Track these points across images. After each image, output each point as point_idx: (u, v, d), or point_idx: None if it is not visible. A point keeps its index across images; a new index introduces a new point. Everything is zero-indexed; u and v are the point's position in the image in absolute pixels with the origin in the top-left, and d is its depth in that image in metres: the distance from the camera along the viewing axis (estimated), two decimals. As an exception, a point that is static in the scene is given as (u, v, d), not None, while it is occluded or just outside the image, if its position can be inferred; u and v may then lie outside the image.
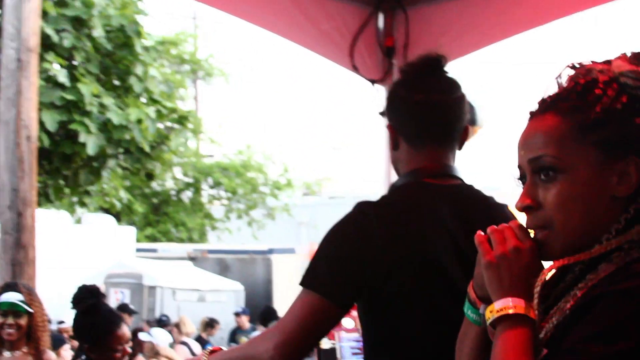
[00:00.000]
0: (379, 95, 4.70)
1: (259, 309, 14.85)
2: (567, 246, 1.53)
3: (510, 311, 1.50)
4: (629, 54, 1.58)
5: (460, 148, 2.52)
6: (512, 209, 2.47)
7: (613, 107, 1.51)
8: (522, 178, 1.60)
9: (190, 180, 25.63)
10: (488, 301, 1.57)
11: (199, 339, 12.77)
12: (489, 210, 2.43)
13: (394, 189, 2.49)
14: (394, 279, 2.27)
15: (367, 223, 2.30)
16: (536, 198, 1.55)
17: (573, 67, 1.60)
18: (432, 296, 2.30)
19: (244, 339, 12.99)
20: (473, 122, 4.86)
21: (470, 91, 2.68)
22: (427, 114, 2.45)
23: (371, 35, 4.65)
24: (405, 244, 2.29)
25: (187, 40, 25.69)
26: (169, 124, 11.91)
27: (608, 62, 1.58)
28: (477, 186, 2.52)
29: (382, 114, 4.62)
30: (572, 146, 1.53)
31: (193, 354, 10.97)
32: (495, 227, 1.60)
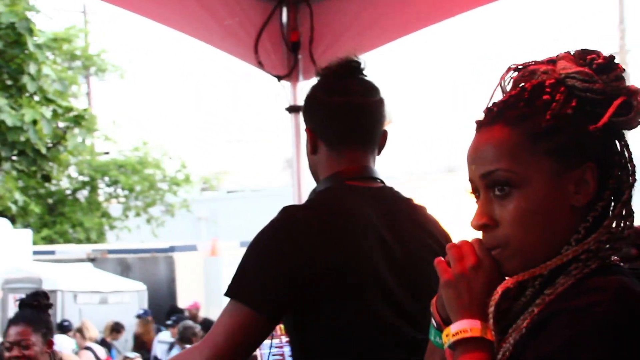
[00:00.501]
0: (284, 91, 4.63)
1: (164, 308, 14.65)
2: (527, 262, 1.46)
3: (467, 335, 1.44)
4: (572, 52, 1.51)
5: (379, 152, 2.50)
6: (430, 211, 2.50)
7: (563, 113, 1.44)
8: (475, 192, 1.52)
9: (86, 178, 25.15)
10: (450, 323, 1.49)
11: (103, 343, 12.50)
12: (412, 212, 2.44)
13: (317, 193, 2.43)
14: (325, 285, 2.21)
15: (295, 228, 2.26)
16: (492, 215, 1.48)
17: (516, 69, 1.53)
18: (365, 300, 2.24)
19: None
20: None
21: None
22: (347, 117, 2.43)
23: (275, 30, 4.57)
24: (336, 248, 2.24)
25: (78, 36, 25.17)
26: (64, 123, 11.58)
27: (552, 62, 1.50)
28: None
29: (288, 109, 4.60)
30: (525, 158, 1.45)
31: (98, 359, 10.73)
32: (453, 243, 1.53)
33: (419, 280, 2.29)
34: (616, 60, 1.49)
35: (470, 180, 1.52)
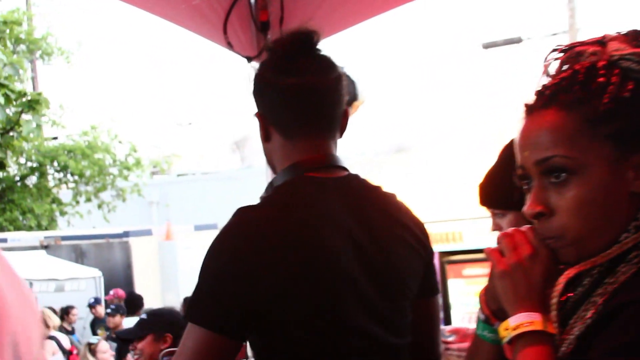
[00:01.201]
0: (254, 72, 4.53)
1: (121, 294, 14.48)
2: (583, 252, 1.41)
3: (528, 328, 1.38)
4: (624, 33, 1.44)
5: (341, 135, 2.26)
6: (400, 198, 2.29)
7: (621, 96, 1.37)
8: (524, 178, 1.46)
9: (34, 164, 24.79)
10: (503, 315, 1.43)
11: (61, 329, 12.32)
12: (381, 201, 2.21)
13: (275, 188, 2.16)
14: (292, 293, 1.99)
15: (253, 232, 2.01)
16: (548, 204, 1.42)
17: (561, 50, 1.46)
18: (334, 306, 2.03)
19: (102, 331, 12.61)
20: (354, 97, 4.74)
21: (349, 65, 2.47)
22: (301, 100, 2.15)
23: (244, 9, 4.47)
24: (302, 252, 2.00)
25: (23, 19, 24.77)
26: (17, 108, 11.31)
27: (600, 43, 1.44)
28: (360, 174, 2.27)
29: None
30: (583, 143, 1.39)
31: (62, 348, 10.58)
32: (505, 232, 1.46)
33: (393, 277, 2.13)
34: None
35: (521, 166, 1.45)
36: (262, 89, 2.21)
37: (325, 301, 2.02)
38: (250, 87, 4.49)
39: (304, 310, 2.00)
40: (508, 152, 3.06)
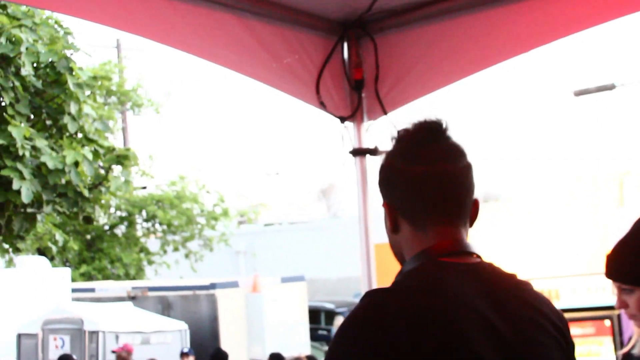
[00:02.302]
0: (347, 133, 4.35)
1: (205, 348, 14.38)
2: None
3: None
4: None
5: (471, 225, 2.16)
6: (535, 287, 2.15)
7: None
8: None
9: (123, 214, 25.07)
10: None
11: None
12: (518, 288, 2.09)
13: (406, 273, 2.07)
14: None
15: (385, 316, 1.92)
16: None
17: None
18: None
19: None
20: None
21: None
22: (433, 188, 2.09)
23: (337, 67, 4.30)
24: (433, 334, 1.91)
25: (114, 71, 25.23)
26: (106, 163, 11.35)
27: None
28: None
29: (352, 152, 4.31)
30: None
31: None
32: None
33: None
34: None
35: None
36: (390, 178, 2.16)
37: None
38: (345, 152, 4.33)
39: None
40: (637, 225, 2.82)
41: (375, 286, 4.33)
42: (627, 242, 2.84)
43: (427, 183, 2.08)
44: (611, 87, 19.43)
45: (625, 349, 3.06)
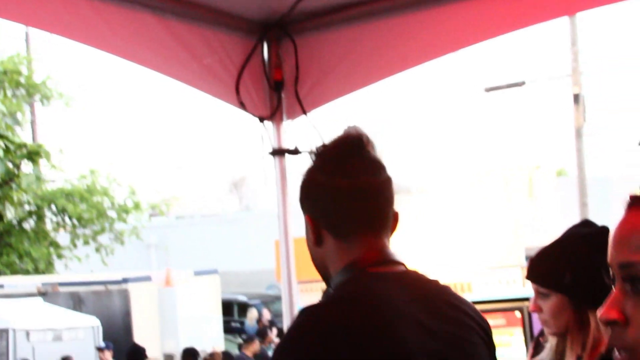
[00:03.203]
0: (267, 133, 4.37)
1: (118, 343, 14.25)
2: None
3: None
4: None
5: (391, 236, 2.19)
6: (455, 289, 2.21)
7: None
8: (612, 278, 1.30)
9: (32, 207, 24.61)
10: None
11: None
12: (443, 293, 2.15)
13: (337, 286, 2.09)
14: None
15: (323, 332, 1.92)
16: (624, 312, 1.25)
17: None
18: None
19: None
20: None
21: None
22: (356, 200, 2.11)
23: (257, 68, 4.31)
24: (377, 348, 1.93)
25: (23, 63, 24.73)
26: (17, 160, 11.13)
27: None
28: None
29: (272, 152, 4.34)
30: None
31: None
32: None
33: None
34: None
35: (610, 264, 1.31)
36: (313, 192, 2.17)
37: None
38: (266, 152, 4.34)
39: None
40: (569, 232, 2.92)
41: (294, 279, 4.37)
42: (551, 247, 2.92)
43: (351, 196, 2.11)
44: (521, 84, 19.82)
45: (536, 357, 3.13)
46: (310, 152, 2.21)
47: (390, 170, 2.19)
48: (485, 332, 2.18)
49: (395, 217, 2.19)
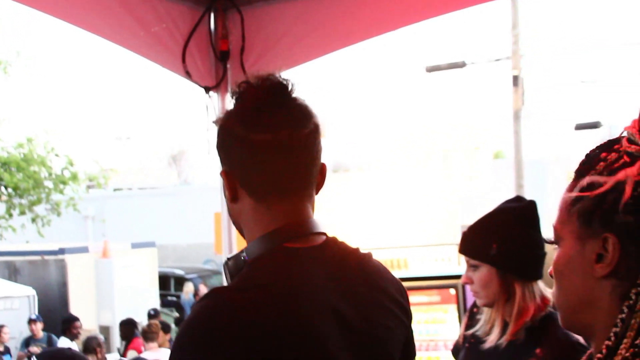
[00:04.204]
0: (212, 102, 4.41)
1: (54, 314, 14.18)
2: (567, 324, 1.41)
3: None
4: None
5: (317, 192, 2.01)
6: (376, 259, 2.09)
7: (596, 179, 1.37)
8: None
9: (-33, 176, 24.25)
10: None
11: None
12: (361, 267, 2.00)
13: (251, 263, 1.90)
14: None
15: (231, 320, 1.75)
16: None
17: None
18: None
19: (35, 349, 12.32)
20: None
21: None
22: (275, 159, 1.90)
23: (204, 37, 4.34)
24: (294, 344, 1.78)
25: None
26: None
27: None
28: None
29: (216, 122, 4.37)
30: (565, 216, 1.40)
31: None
32: None
33: (379, 351, 1.98)
34: None
35: None
36: (229, 144, 1.94)
37: None
38: (209, 122, 4.37)
39: None
40: (499, 207, 3.02)
41: (235, 251, 4.40)
42: (481, 221, 3.03)
43: (270, 154, 1.89)
44: (462, 65, 19.99)
45: (470, 331, 3.23)
46: (233, 92, 1.99)
47: (318, 117, 1.97)
48: (403, 310, 2.07)
49: (321, 171, 2.00)
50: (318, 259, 1.92)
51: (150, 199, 32.19)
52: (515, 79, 18.14)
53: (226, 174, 1.94)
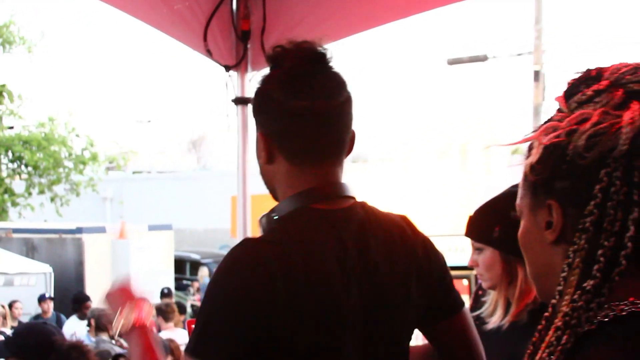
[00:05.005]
0: (231, 81, 4.45)
1: (70, 292, 14.27)
2: (538, 293, 1.46)
3: None
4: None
5: (346, 156, 2.13)
6: (407, 219, 2.21)
7: (546, 149, 1.37)
8: None
9: (-12, 153, 24.43)
10: None
11: (4, 325, 12.08)
12: (388, 231, 2.10)
13: (280, 220, 2.03)
14: (298, 338, 1.91)
15: (264, 269, 1.88)
16: None
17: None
18: (338, 348, 1.97)
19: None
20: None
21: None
22: (312, 126, 2.01)
23: (226, 16, 4.38)
24: (309, 295, 1.91)
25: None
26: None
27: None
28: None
29: (235, 100, 4.41)
30: (524, 189, 1.44)
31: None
32: None
33: (389, 319, 2.06)
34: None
35: None
36: (268, 109, 2.06)
37: (327, 347, 1.95)
38: (229, 100, 4.41)
39: (304, 353, 1.93)
40: (505, 191, 3.05)
41: (249, 234, 4.45)
42: (486, 205, 3.06)
43: (307, 121, 2.00)
44: (484, 59, 19.97)
45: (474, 313, 3.26)
46: (268, 56, 2.10)
47: (351, 87, 2.09)
48: (421, 277, 2.12)
49: (352, 138, 2.11)
50: (342, 221, 2.02)
51: (169, 182, 32.28)
52: (537, 74, 18.11)
53: (263, 136, 2.06)
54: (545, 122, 1.38)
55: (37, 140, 24.70)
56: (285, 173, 2.06)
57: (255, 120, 2.10)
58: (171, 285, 17.40)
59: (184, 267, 23.23)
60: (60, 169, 25.19)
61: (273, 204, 2.11)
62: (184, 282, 22.10)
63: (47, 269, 15.52)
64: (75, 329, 11.29)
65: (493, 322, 3.06)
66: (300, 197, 2.03)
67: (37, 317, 13.51)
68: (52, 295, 14.13)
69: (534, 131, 1.38)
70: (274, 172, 2.09)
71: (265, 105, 2.07)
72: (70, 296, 13.22)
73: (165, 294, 14.92)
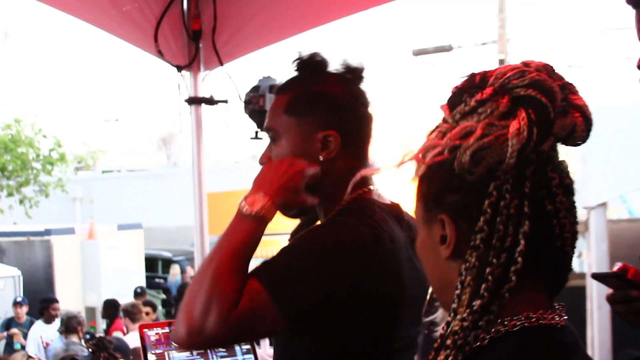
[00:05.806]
0: (184, 81, 4.45)
1: (40, 295, 14.17)
2: (440, 304, 1.56)
3: None
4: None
5: None
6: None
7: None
8: None
9: (-46, 157, 24.21)
10: None
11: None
12: (410, 222, 2.33)
13: (359, 212, 2.19)
14: (367, 311, 2.08)
15: (367, 249, 2.08)
16: None
17: None
18: (397, 329, 2.20)
19: (16, 331, 12.27)
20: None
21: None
22: (369, 129, 2.32)
23: (176, 17, 4.38)
24: (386, 276, 2.11)
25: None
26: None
27: None
28: None
29: (188, 100, 4.40)
30: (416, 198, 1.44)
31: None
32: None
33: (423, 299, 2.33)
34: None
35: None
36: (342, 110, 2.27)
37: (389, 326, 2.16)
38: (181, 101, 4.41)
39: (366, 333, 2.11)
40: None
41: (207, 234, 4.46)
42: None
43: (369, 124, 2.30)
44: (449, 49, 20.02)
45: (428, 318, 3.25)
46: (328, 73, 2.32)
47: None
48: None
49: None
50: (390, 214, 2.27)
51: (139, 181, 32.12)
52: (502, 62, 18.20)
53: (337, 135, 2.23)
54: (430, 133, 1.36)
55: (4, 143, 24.51)
56: (346, 168, 2.23)
57: (327, 119, 2.25)
58: (142, 284, 17.35)
59: (155, 266, 23.14)
60: (28, 171, 25.00)
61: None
62: (156, 280, 22.04)
63: (16, 272, 15.39)
64: (41, 333, 11.21)
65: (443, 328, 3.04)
66: (359, 185, 2.26)
67: (9, 321, 13.39)
68: (22, 299, 14.02)
69: (417, 150, 1.34)
70: (338, 166, 2.25)
71: (340, 108, 2.29)
72: (39, 299, 13.12)
73: (138, 293, 14.85)
